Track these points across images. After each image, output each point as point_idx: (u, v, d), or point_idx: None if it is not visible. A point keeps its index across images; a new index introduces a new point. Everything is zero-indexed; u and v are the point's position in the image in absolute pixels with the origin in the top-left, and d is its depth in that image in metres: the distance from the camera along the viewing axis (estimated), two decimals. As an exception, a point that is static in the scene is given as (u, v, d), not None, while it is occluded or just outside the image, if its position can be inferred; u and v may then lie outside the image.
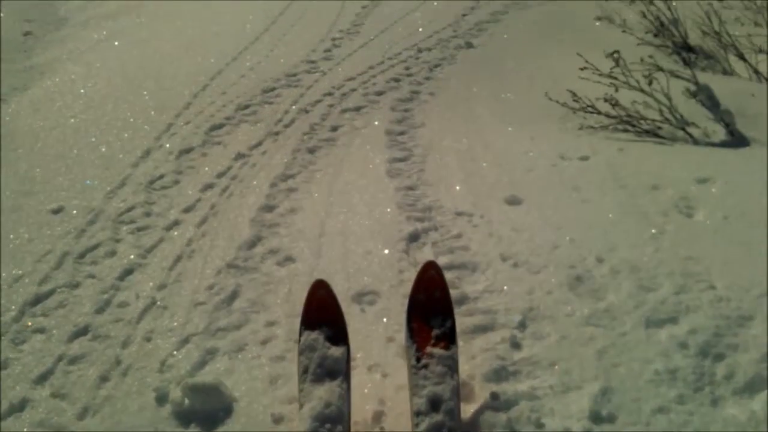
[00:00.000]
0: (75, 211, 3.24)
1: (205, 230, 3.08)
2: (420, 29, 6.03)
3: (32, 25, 6.00)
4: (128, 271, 2.79)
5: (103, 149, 3.90)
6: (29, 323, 2.48)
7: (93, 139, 4.01)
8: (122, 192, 3.44)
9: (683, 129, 4.07)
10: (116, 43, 5.55)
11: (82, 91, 4.68)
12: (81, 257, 2.89)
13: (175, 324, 2.44)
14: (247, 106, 4.48)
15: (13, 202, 3.34)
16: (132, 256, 2.88)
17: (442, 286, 2.21)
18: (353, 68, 5.15)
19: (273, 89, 4.76)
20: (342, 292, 2.56)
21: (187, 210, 3.26)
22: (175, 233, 3.07)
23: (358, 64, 5.23)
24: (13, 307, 2.56)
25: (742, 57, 5.33)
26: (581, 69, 4.32)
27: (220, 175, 3.63)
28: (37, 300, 2.63)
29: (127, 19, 6.17)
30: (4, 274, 2.75)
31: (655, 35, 5.23)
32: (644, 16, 5.64)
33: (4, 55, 5.37)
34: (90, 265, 2.84)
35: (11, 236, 3.05)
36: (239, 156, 3.84)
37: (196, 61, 5.16)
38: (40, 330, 2.45)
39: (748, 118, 4.22)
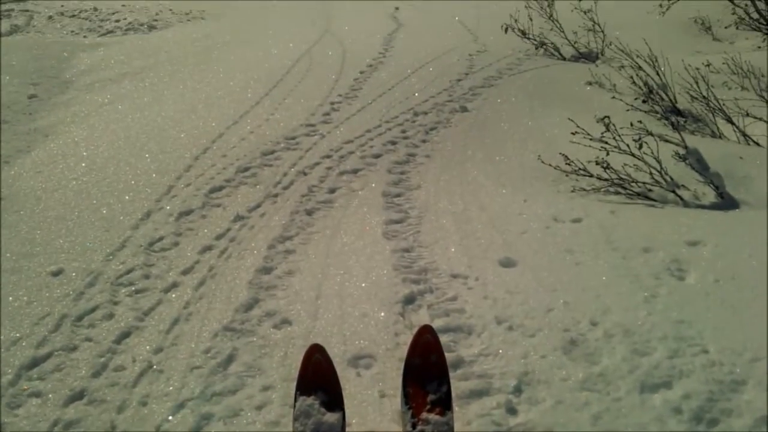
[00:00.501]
0: (74, 274, 3.27)
1: (202, 292, 3.10)
2: (416, 93, 6.17)
3: (37, 88, 6.13)
4: (125, 334, 2.80)
5: (104, 211, 3.95)
6: (25, 387, 2.49)
7: (94, 201, 4.06)
8: (122, 254, 3.47)
9: (674, 191, 4.14)
10: (120, 107, 5.67)
11: (84, 153, 4.77)
12: (79, 320, 2.91)
13: (171, 388, 2.45)
14: (246, 169, 4.56)
15: (14, 264, 3.38)
16: (129, 319, 2.90)
17: (438, 351, 2.23)
18: (351, 131, 5.25)
19: (272, 152, 4.85)
20: (338, 355, 2.58)
21: (186, 272, 3.29)
22: (173, 296, 3.09)
23: (356, 127, 5.34)
24: (10, 370, 2.57)
25: (729, 120, 5.45)
26: (573, 133, 4.42)
27: (219, 237, 3.67)
28: (34, 363, 2.64)
29: (131, 84, 6.31)
30: (2, 337, 2.77)
31: (644, 101, 5.36)
32: (633, 82, 5.80)
33: (9, 117, 5.48)
34: (87, 328, 2.85)
35: (10, 298, 3.07)
36: (238, 218, 3.90)
37: (198, 124, 5.27)
38: (36, 394, 2.46)
39: (736, 180, 4.31)
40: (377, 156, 4.85)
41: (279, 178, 4.45)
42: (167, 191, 4.21)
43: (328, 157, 4.81)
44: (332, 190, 4.32)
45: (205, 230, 3.75)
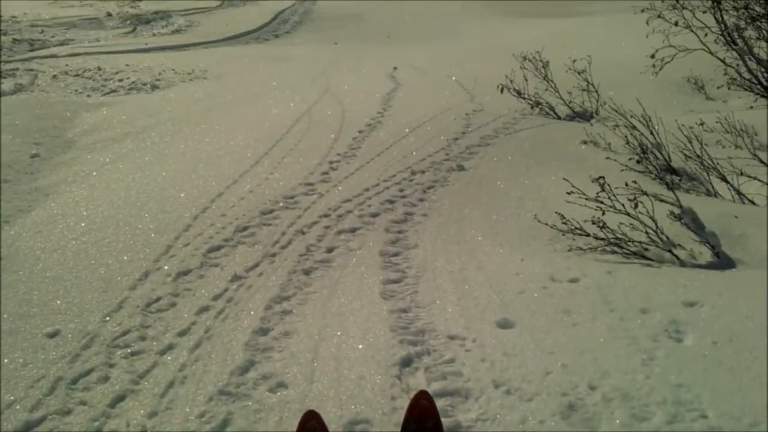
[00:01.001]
0: (70, 335, 3.26)
1: (198, 354, 3.09)
2: (414, 152, 6.25)
3: (40, 148, 6.21)
4: (120, 398, 2.78)
5: (102, 271, 3.96)
6: (18, 453, 2.46)
7: (93, 262, 4.08)
8: (118, 315, 3.47)
9: (670, 251, 4.16)
10: (121, 166, 5.74)
11: (84, 213, 4.80)
12: (74, 383, 2.89)
13: (166, 454, 2.42)
14: (245, 228, 4.59)
15: (10, 326, 3.37)
16: (125, 382, 2.88)
17: (435, 417, 2.22)
18: (349, 190, 5.30)
19: (271, 211, 4.88)
20: (334, 420, 2.56)
21: (182, 333, 3.29)
22: (169, 358, 3.08)
23: (354, 186, 5.39)
24: (3, 435, 2.55)
25: (724, 179, 5.51)
26: (568, 193, 4.47)
27: (216, 298, 3.67)
28: (28, 427, 2.61)
29: (133, 143, 6.40)
30: (-4, 401, 2.75)
31: (638, 161, 5.43)
32: (627, 142, 5.89)
33: (10, 176, 5.54)
34: (82, 391, 2.83)
35: (6, 360, 3.06)
36: (236, 278, 3.90)
37: (198, 183, 5.32)
38: (29, 460, 2.43)
39: (732, 239, 4.33)
40: (375, 215, 4.89)
41: (277, 237, 4.48)
42: (166, 251, 4.23)
43: (327, 216, 4.85)
44: (330, 250, 4.34)
45: (203, 290, 3.76)
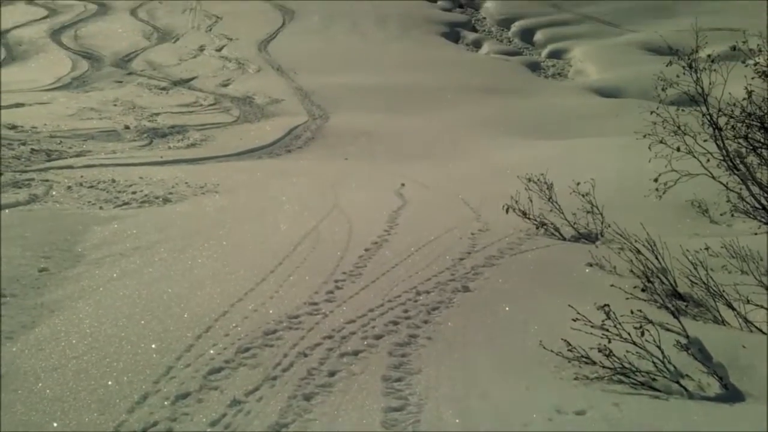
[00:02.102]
0: (64, 463, 3.19)
1: (193, 487, 3.01)
2: (419, 272, 6.28)
3: (48, 262, 6.28)
4: None
5: (101, 393, 3.92)
6: None
7: (93, 382, 4.04)
8: (114, 441, 3.41)
9: (678, 382, 4.10)
10: (127, 283, 5.78)
11: (88, 331, 4.80)
12: None
13: None
14: (247, 349, 4.56)
15: (3, 451, 3.30)
16: None
17: None
18: (354, 311, 5.30)
19: (274, 331, 4.87)
20: None
21: (178, 463, 3.21)
22: (163, 490, 2.99)
23: (358, 306, 5.39)
24: None
25: (730, 306, 5.49)
26: (574, 320, 4.46)
27: (214, 424, 3.62)
28: None
29: (141, 258, 6.46)
30: None
31: (643, 290, 5.44)
32: (632, 271, 5.91)
33: (17, 291, 5.57)
34: None
35: (-5, 490, 2.98)
36: (235, 402, 3.85)
37: (202, 301, 5.34)
38: None
39: (740, 370, 4.28)
40: (379, 337, 4.87)
41: (279, 359, 4.44)
42: (166, 372, 4.19)
43: (330, 337, 4.82)
44: (332, 373, 4.30)
45: (201, 415, 3.70)
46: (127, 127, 15.48)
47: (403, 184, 11.49)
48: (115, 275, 5.98)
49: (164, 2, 30.14)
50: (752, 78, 7.15)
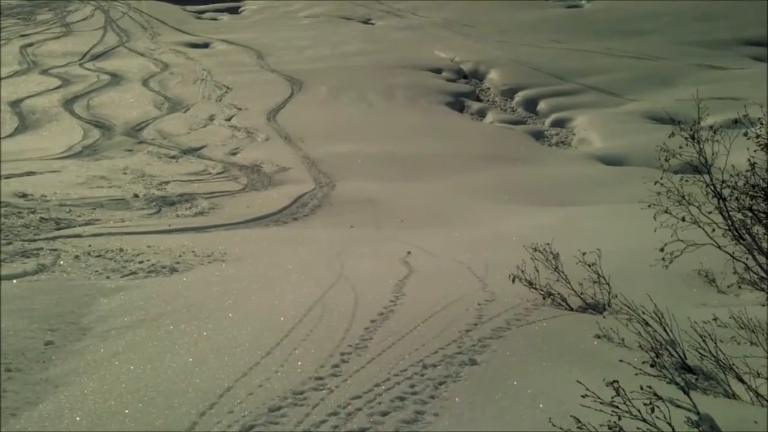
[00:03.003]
0: None
1: None
2: (425, 344, 6.24)
3: (55, 335, 6.27)
4: None
5: (103, 473, 3.86)
6: None
7: (94, 462, 3.99)
8: None
9: (691, 462, 4.01)
10: (132, 356, 5.76)
11: (92, 407, 4.76)
12: None
13: None
14: (251, 427, 4.51)
15: None
16: None
17: None
18: (360, 386, 5.25)
19: (279, 408, 4.82)
20: None
21: None
22: None
23: (364, 381, 5.34)
24: None
25: (741, 379, 5.41)
26: (583, 396, 4.40)
27: (218, 507, 3.54)
28: None
29: (147, 331, 6.46)
30: None
31: (652, 365, 5.38)
32: (640, 346, 5.87)
33: (22, 365, 5.56)
34: None
35: None
36: (239, 484, 3.78)
37: (207, 376, 5.30)
38: None
39: (755, 450, 4.18)
40: (385, 414, 4.81)
41: (284, 438, 4.38)
42: (170, 451, 4.14)
43: (335, 414, 4.77)
44: (338, 453, 4.23)
45: (204, 498, 3.63)
46: (136, 196, 15.64)
47: (409, 252, 11.52)
48: (120, 349, 5.96)
49: (175, 73, 30.88)
50: (754, 150, 7.24)
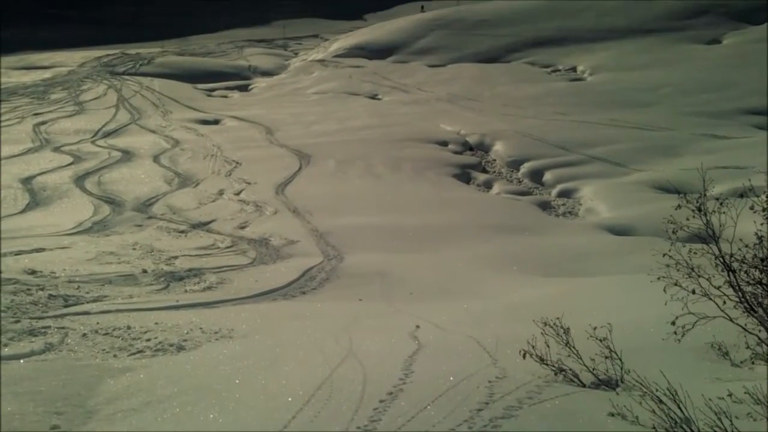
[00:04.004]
0: None
1: None
2: (435, 425, 6.13)
3: (61, 418, 6.20)
4: None
5: None
6: None
7: None
8: None
9: None
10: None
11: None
12: None
13: None
14: None
15: None
16: None
17: None
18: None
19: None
20: None
21: None
22: None
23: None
24: None
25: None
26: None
27: None
28: None
29: (152, 415, 6.36)
30: None
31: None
32: (654, 427, 5.75)
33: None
34: None
35: None
36: None
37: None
38: None
39: None
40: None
41: None
42: None
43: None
44: None
45: None
46: (144, 271, 15.68)
47: (418, 326, 11.42)
48: (124, 432, 5.88)
49: (186, 149, 31.44)
50: (761, 224, 7.26)
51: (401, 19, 64.77)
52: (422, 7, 78.80)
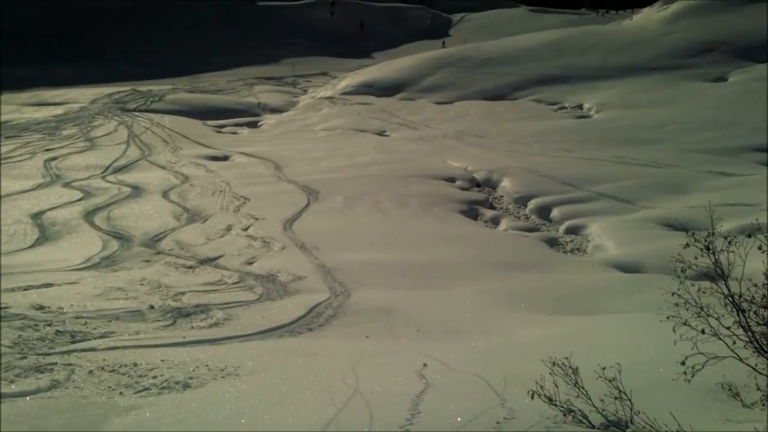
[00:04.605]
0: None
1: None
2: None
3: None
4: None
5: None
6: None
7: None
8: None
9: None
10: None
11: None
12: None
13: None
14: None
15: None
16: None
17: None
18: None
19: None
20: None
21: None
22: None
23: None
24: None
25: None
26: None
27: None
28: None
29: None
30: None
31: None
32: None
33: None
34: None
35: None
36: None
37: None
38: None
39: None
40: None
41: None
42: None
43: None
44: None
45: None
46: (151, 307, 15.68)
47: (425, 364, 11.35)
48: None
49: (195, 185, 31.64)
50: (771, 265, 7.26)
51: (408, 57, 65.48)
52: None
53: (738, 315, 7.65)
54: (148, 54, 75.33)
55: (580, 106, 45.16)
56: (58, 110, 48.38)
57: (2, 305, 14.23)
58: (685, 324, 8.23)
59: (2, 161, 34.35)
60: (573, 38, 61.03)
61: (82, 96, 53.96)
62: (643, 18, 62.25)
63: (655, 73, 48.58)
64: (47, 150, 37.33)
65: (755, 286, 7.92)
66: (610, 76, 49.40)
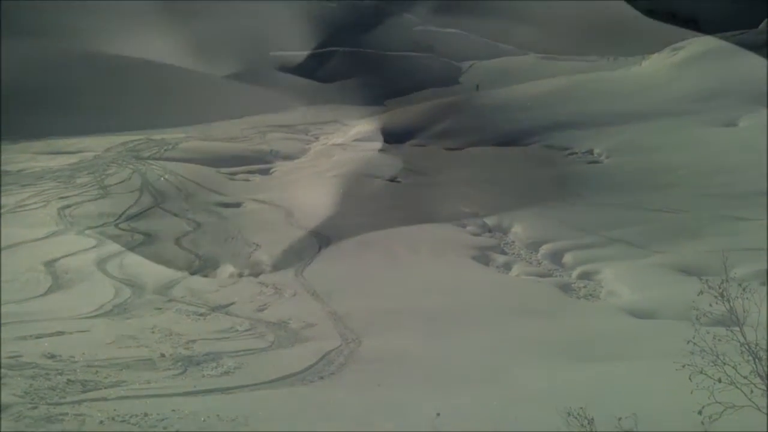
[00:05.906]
0: None
1: None
2: None
3: None
4: None
5: None
6: None
7: None
8: None
9: None
10: None
11: None
12: None
13: None
14: None
15: None
16: None
17: None
18: None
19: None
20: None
21: None
22: None
23: None
24: None
25: None
26: None
27: None
28: None
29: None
30: None
31: None
32: None
33: None
34: None
35: None
36: None
37: None
38: None
39: None
40: None
41: None
42: None
43: None
44: None
45: None
46: (162, 355, 15.66)
47: (438, 414, 11.23)
48: None
49: (207, 232, 31.79)
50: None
51: (419, 104, 66.26)
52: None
53: (755, 363, 7.55)
54: (162, 102, 76.57)
55: (591, 152, 45.30)
56: (73, 159, 49.01)
57: (14, 354, 14.24)
58: (701, 372, 8.12)
59: (17, 210, 34.72)
60: (583, 84, 61.61)
61: (96, 144, 54.70)
62: (653, 63, 62.80)
63: (665, 118, 48.73)
64: (61, 198, 37.71)
65: (771, 333, 7.84)
66: (620, 121, 49.62)
